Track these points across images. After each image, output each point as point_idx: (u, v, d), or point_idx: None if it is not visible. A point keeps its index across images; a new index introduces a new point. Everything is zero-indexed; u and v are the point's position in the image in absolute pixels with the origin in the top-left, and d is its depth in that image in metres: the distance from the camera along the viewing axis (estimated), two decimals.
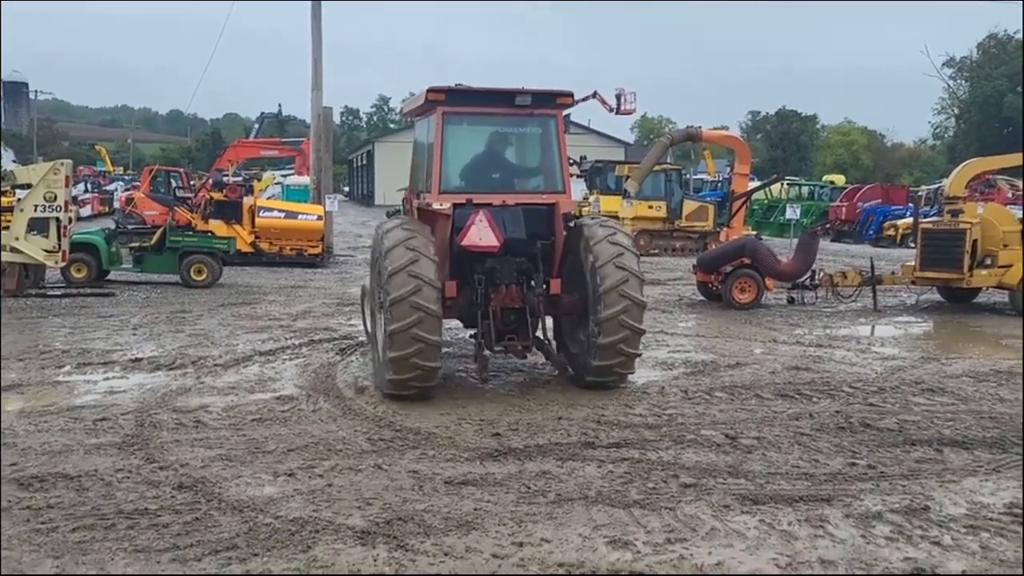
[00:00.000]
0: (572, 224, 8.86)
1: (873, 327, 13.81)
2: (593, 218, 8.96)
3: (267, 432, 6.96)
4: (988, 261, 14.99)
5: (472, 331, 9.01)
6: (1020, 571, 4.49)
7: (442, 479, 5.79)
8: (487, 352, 8.52)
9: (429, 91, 8.49)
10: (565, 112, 9.26)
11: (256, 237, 21.55)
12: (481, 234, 8.11)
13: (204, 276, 17.00)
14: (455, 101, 8.63)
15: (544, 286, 8.64)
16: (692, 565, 4.51)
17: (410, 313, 7.52)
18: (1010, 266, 14.89)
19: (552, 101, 8.83)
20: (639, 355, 8.56)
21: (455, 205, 8.34)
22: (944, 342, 12.61)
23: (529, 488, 5.65)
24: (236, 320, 13.03)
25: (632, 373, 8.67)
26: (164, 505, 5.22)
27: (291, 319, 13.16)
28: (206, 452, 6.36)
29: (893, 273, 16.30)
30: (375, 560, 4.51)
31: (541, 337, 8.78)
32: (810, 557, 4.62)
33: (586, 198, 27.23)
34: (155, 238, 17.61)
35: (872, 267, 15.85)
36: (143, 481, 5.67)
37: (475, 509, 5.25)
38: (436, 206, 8.36)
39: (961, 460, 6.48)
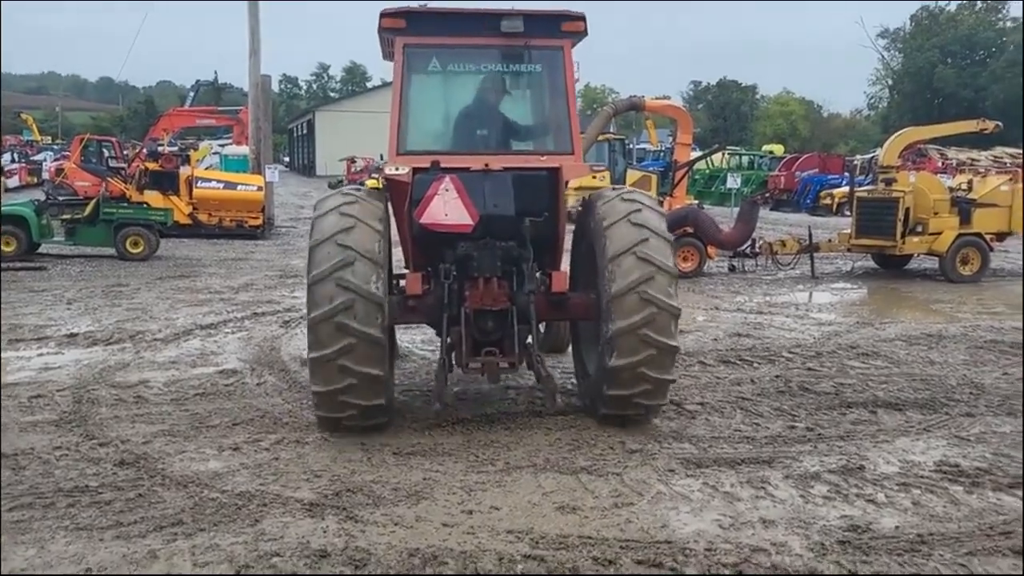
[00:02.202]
0: (586, 198, 6.72)
1: (811, 294, 14.15)
2: (614, 189, 6.63)
3: (211, 407, 6.85)
4: (919, 229, 15.45)
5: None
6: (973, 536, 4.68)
7: (391, 450, 5.79)
8: (459, 369, 6.23)
9: (383, 16, 6.33)
10: (576, 44, 6.70)
11: (194, 208, 21.06)
12: (448, 207, 5.98)
13: (140, 249, 16.58)
14: (419, 28, 6.37)
15: (541, 281, 6.45)
16: (638, 528, 4.60)
17: (337, 335, 5.50)
18: (940, 233, 15.38)
19: (556, 28, 6.43)
20: (672, 380, 6.16)
21: (415, 170, 6.18)
22: (878, 307, 12.98)
23: (478, 457, 5.68)
24: (175, 293, 12.76)
25: (664, 403, 6.35)
26: (105, 482, 5.12)
27: (233, 292, 12.93)
28: (148, 428, 6.25)
29: (830, 241, 16.69)
30: (325, 531, 4.50)
31: (533, 351, 6.24)
32: (752, 517, 4.75)
33: None
34: (88, 210, 17.09)
35: (810, 235, 16.21)
36: (82, 458, 5.55)
37: (424, 479, 5.26)
38: (391, 171, 6.20)
39: (894, 421, 6.71)
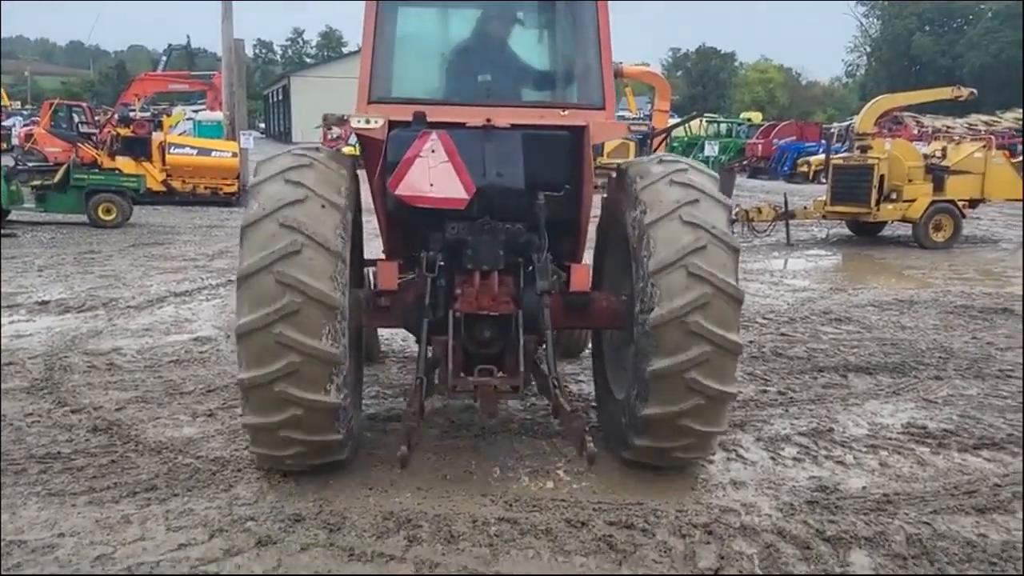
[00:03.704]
0: (619, 167, 5.17)
1: (786, 260, 14.26)
2: (660, 162, 4.79)
3: (185, 373, 6.82)
4: (894, 196, 15.59)
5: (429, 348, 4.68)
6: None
7: (366, 416, 5.80)
8: (448, 391, 4.60)
9: None
10: None
11: (168, 175, 20.82)
12: (434, 175, 4.52)
13: (113, 216, 16.37)
14: None
15: (557, 277, 5.00)
16: (610, 490, 4.64)
17: (275, 352, 4.08)
18: (914, 200, 15.53)
19: None
20: (721, 432, 4.72)
21: (391, 124, 4.71)
22: (851, 274, 13.11)
23: (453, 422, 5.70)
24: (149, 261, 12.64)
25: (710, 455, 4.99)
26: (78, 449, 5.09)
27: (207, 259, 12.82)
28: (121, 395, 6.21)
29: (805, 208, 16.79)
30: (299, 496, 4.50)
31: (550, 372, 4.54)
32: (722, 479, 4.82)
33: None
34: (58, 176, 16.81)
35: (786, 202, 16.29)
36: (54, 425, 5.51)
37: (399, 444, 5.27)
38: (358, 123, 4.70)
39: (864, 384, 6.81)
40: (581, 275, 4.97)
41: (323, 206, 4.29)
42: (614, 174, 5.26)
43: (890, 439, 5.53)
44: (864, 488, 4.74)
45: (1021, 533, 4.20)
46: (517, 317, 4.64)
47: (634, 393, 4.54)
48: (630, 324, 4.68)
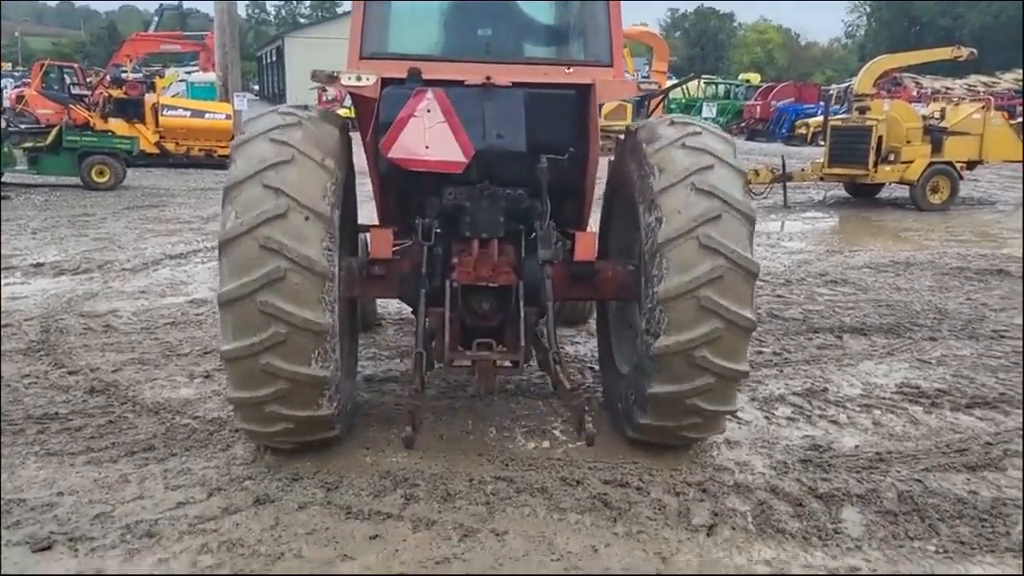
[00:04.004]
0: (628, 129, 4.83)
1: (783, 223, 14.24)
2: (671, 123, 4.46)
3: (181, 335, 6.83)
4: (891, 157, 15.53)
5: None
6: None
7: (362, 377, 5.81)
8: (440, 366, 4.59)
9: None
10: None
11: (161, 137, 20.64)
12: (430, 137, 4.31)
13: (107, 178, 16.27)
14: None
15: (561, 245, 4.76)
16: (606, 450, 4.65)
17: (259, 322, 3.86)
18: (911, 162, 15.48)
19: None
20: (733, 411, 4.52)
21: (384, 81, 4.51)
22: (848, 236, 13.11)
23: (449, 383, 5.72)
24: (143, 223, 12.59)
25: (719, 433, 4.62)
26: (75, 409, 5.11)
27: (202, 222, 12.78)
28: (117, 356, 6.22)
29: (803, 170, 16.73)
30: (297, 456, 4.52)
31: (550, 347, 4.42)
32: (717, 439, 4.83)
33: None
34: (50, 138, 16.68)
35: (783, 165, 16.23)
36: (51, 386, 5.53)
37: (396, 405, 5.30)
38: (349, 80, 4.46)
39: (859, 345, 6.84)
40: (586, 243, 4.69)
41: (311, 167, 4.03)
42: (622, 136, 4.97)
43: (883, 399, 5.56)
44: (857, 447, 4.78)
45: (1021, 498, 4.24)
46: (518, 288, 4.44)
47: (640, 370, 4.30)
48: (637, 295, 4.45)
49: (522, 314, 4.37)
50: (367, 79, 4.47)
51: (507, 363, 4.40)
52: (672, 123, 4.45)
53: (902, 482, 4.30)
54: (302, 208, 3.92)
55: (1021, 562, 3.57)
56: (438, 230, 4.58)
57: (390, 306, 7.65)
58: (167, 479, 4.19)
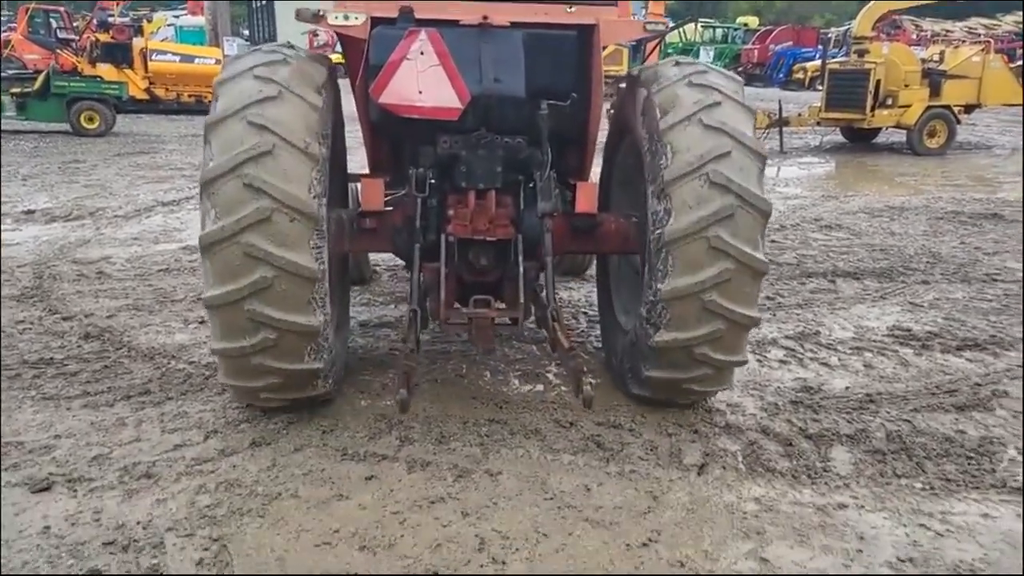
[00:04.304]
0: (630, 74, 4.67)
1: (779, 168, 14.17)
2: (676, 64, 4.28)
3: (175, 282, 6.82)
4: (889, 101, 15.42)
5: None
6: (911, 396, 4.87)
7: (357, 322, 5.83)
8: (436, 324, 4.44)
9: None
10: None
11: (151, 83, 20.36)
12: (423, 81, 4.07)
13: (96, 124, 16.10)
14: None
15: (562, 196, 4.55)
16: (599, 392, 4.69)
17: (244, 265, 3.67)
18: (909, 106, 15.36)
19: None
20: (742, 363, 4.30)
21: (374, 20, 4.27)
22: (843, 181, 13.07)
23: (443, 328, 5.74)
24: (135, 170, 12.49)
25: (725, 389, 4.52)
26: (71, 355, 5.12)
27: (194, 169, 12.66)
28: (112, 302, 6.21)
29: (799, 115, 16.61)
30: (293, 400, 4.56)
31: (549, 303, 4.22)
32: None
33: None
34: (38, 83, 16.45)
35: (780, 109, 16.09)
36: (46, 332, 5.53)
37: (390, 350, 5.32)
38: (335, 19, 4.24)
39: (852, 289, 6.86)
40: (588, 194, 4.43)
41: (298, 104, 3.80)
42: (622, 85, 4.78)
43: (875, 341, 5.60)
44: (847, 388, 4.82)
45: (1007, 435, 4.30)
46: (516, 242, 4.25)
47: (645, 319, 4.09)
48: (641, 249, 4.25)
49: (521, 269, 4.19)
50: (355, 18, 4.24)
51: (505, 320, 4.22)
52: (677, 63, 4.26)
53: (891, 422, 4.35)
54: (289, 145, 3.70)
55: (1006, 499, 3.64)
56: (432, 181, 4.34)
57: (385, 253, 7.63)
58: (164, 422, 4.22)
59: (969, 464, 3.92)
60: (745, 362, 4.34)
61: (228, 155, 3.64)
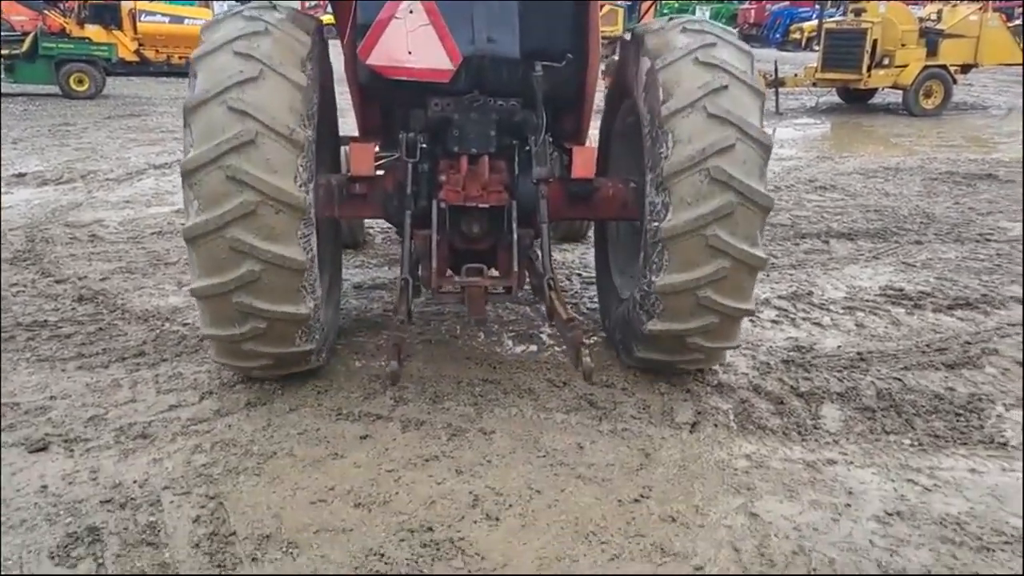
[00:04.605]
0: (634, 32, 4.35)
1: (774, 129, 14.10)
2: (683, 31, 4.01)
3: (168, 244, 6.80)
4: (886, 61, 15.31)
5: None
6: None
7: (351, 284, 5.83)
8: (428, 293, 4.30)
9: None
10: None
11: (140, 44, 20.11)
12: (413, 42, 3.96)
13: (86, 87, 15.95)
14: None
15: (558, 161, 4.60)
16: (595, 353, 4.74)
17: (230, 259, 3.59)
18: (906, 66, 15.26)
19: None
20: (734, 347, 4.36)
21: None
22: (839, 142, 13.03)
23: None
24: (126, 133, 12.40)
25: (720, 364, 4.49)
26: (65, 317, 5.13)
27: None
28: (105, 265, 6.21)
29: (796, 76, 16.50)
30: None
31: (545, 272, 4.04)
32: None
33: None
34: (26, 45, 16.26)
35: (776, 70, 15.97)
36: (40, 295, 5.53)
37: (384, 312, 5.33)
38: None
39: (845, 250, 6.88)
40: (585, 159, 4.33)
41: (281, 84, 3.62)
42: (626, 37, 4.59)
43: (867, 301, 5.63)
44: (839, 347, 4.86)
45: (996, 394, 4.35)
46: (510, 208, 4.10)
47: (639, 304, 4.05)
48: (640, 215, 4.12)
49: (515, 236, 4.05)
50: None
51: (499, 289, 4.10)
52: (684, 30, 3.97)
53: (881, 380, 4.39)
54: (272, 133, 3.54)
55: (993, 454, 3.69)
56: (424, 145, 4.20)
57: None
58: (159, 383, 4.24)
59: (958, 420, 3.96)
60: (738, 346, 4.29)
61: (209, 144, 3.50)
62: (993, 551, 3.00)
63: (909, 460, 3.62)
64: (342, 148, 5.18)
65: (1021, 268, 6.32)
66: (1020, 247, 6.90)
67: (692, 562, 2.93)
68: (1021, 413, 4.06)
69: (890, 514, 3.22)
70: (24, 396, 4.07)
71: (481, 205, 4.12)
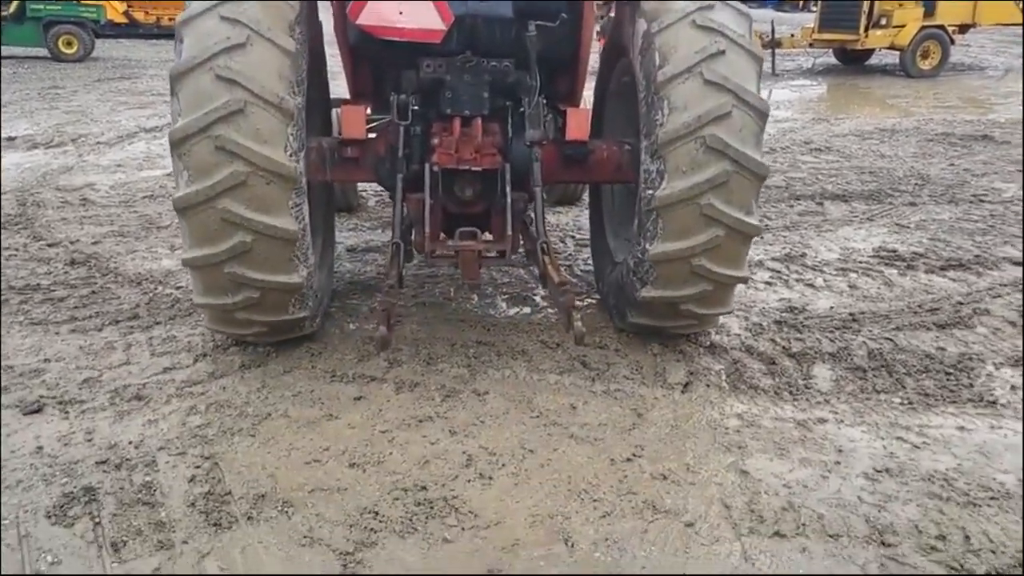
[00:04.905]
0: None
1: (770, 91, 14.00)
2: None
3: (160, 208, 6.77)
4: (883, 21, 15.17)
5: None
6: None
7: (344, 247, 5.82)
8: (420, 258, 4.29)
9: None
10: None
11: (129, 6, 19.82)
12: (404, 2, 3.87)
13: (75, 49, 15.75)
14: None
15: (552, 123, 4.51)
16: (588, 315, 4.75)
17: (221, 229, 3.57)
18: (903, 26, 15.12)
19: None
20: (727, 312, 4.26)
21: None
22: (835, 103, 12.95)
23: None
24: (116, 96, 12.28)
25: (711, 328, 4.47)
26: (57, 280, 5.12)
27: None
28: (97, 229, 6.18)
29: (792, 36, 16.35)
30: None
31: (538, 235, 4.07)
32: None
33: None
34: (12, 8, 16.00)
35: (772, 30, 15.82)
36: (32, 259, 5.51)
37: (377, 274, 5.33)
38: None
39: (839, 211, 6.87)
40: (579, 121, 4.27)
41: (269, 50, 3.54)
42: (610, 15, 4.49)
43: (860, 262, 5.64)
44: (831, 308, 4.87)
45: (986, 353, 4.37)
46: (504, 171, 4.03)
47: (633, 271, 4.04)
48: (635, 178, 4.07)
49: (509, 200, 3.98)
50: None
51: (493, 253, 4.05)
52: (695, 24, 3.78)
53: (873, 340, 4.41)
54: (261, 101, 3.48)
55: (982, 412, 3.72)
56: (416, 107, 4.13)
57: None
58: (153, 346, 4.25)
59: (948, 380, 3.99)
60: (731, 311, 4.32)
61: (197, 113, 3.44)
62: (980, 507, 3.04)
63: (899, 418, 3.66)
64: (333, 111, 5.12)
65: (1021, 229, 6.33)
66: (1014, 208, 6.90)
67: (683, 518, 2.97)
68: (1021, 373, 4.09)
69: (879, 471, 3.26)
70: (18, 359, 4.07)
71: (474, 168, 4.06)
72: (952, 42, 15.59)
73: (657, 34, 3.78)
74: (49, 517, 2.91)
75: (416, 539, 2.85)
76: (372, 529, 2.89)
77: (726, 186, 3.67)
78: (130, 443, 3.36)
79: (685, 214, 3.73)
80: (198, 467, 3.21)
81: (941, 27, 15.26)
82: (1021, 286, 5.18)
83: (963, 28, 15.97)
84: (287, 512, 2.97)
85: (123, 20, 19.59)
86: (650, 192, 3.79)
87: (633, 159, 4.17)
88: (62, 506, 2.96)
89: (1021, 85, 13.48)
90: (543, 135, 4.16)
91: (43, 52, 15.67)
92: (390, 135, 4.19)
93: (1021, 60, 16.47)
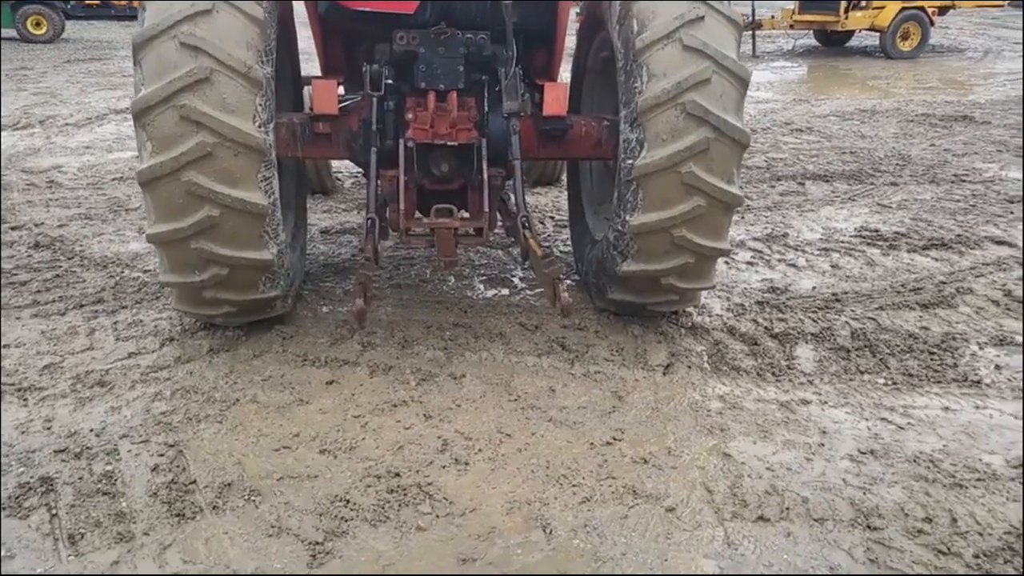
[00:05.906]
0: None
1: (751, 72, 13.94)
2: None
3: (129, 191, 6.60)
4: (863, 3, 15.13)
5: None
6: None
7: (319, 229, 5.69)
8: (387, 243, 4.38)
9: None
10: None
11: None
12: None
13: (44, 30, 15.41)
14: None
15: (528, 97, 4.32)
16: (565, 297, 4.65)
17: (187, 203, 3.43)
18: (883, 7, 15.08)
19: None
20: (710, 287, 4.20)
21: None
22: (815, 85, 12.90)
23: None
24: (86, 77, 12.01)
25: (694, 305, 4.37)
26: (20, 264, 4.96)
27: None
28: (63, 212, 6.01)
29: (773, 18, 16.27)
30: None
31: (518, 211, 3.93)
32: None
33: None
34: None
35: (752, 12, 15.74)
36: None
37: (352, 256, 5.21)
38: None
39: (821, 192, 6.81)
40: (557, 95, 4.11)
41: (236, 17, 3.42)
42: None
43: (842, 242, 5.57)
44: (814, 288, 4.80)
45: (971, 333, 4.32)
46: (480, 146, 3.93)
47: (613, 245, 3.94)
48: (614, 154, 4.00)
49: (485, 176, 3.89)
50: None
51: (470, 231, 3.94)
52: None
53: (856, 320, 4.35)
54: (228, 70, 3.35)
55: (966, 392, 3.67)
56: (389, 81, 4.02)
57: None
58: (117, 331, 4.11)
59: (932, 359, 3.93)
60: (713, 286, 4.24)
61: (161, 83, 3.30)
62: (967, 488, 2.98)
63: (883, 399, 3.59)
64: (304, 89, 4.93)
65: (1022, 204, 6.29)
66: (995, 188, 6.86)
67: (664, 503, 2.89)
68: (1022, 355, 4.03)
69: (863, 453, 3.19)
70: None
71: (450, 143, 3.94)
72: (932, 23, 15.58)
73: (635, 1, 3.70)
74: (4, 509, 2.78)
75: (388, 527, 2.75)
76: (343, 518, 2.79)
77: (707, 154, 3.58)
78: (91, 431, 3.23)
79: (666, 183, 3.63)
80: (162, 455, 3.09)
81: (921, 8, 15.24)
82: (1021, 267, 5.13)
83: (943, 10, 15.97)
84: (254, 501, 2.86)
85: (95, 1, 19.22)
86: (630, 162, 3.69)
87: (612, 135, 4.08)
88: (17, 497, 2.84)
89: (1022, 63, 13.45)
90: (520, 108, 4.02)
91: (11, 33, 15.31)
92: (363, 110, 4.04)
93: (1022, 37, 16.46)
